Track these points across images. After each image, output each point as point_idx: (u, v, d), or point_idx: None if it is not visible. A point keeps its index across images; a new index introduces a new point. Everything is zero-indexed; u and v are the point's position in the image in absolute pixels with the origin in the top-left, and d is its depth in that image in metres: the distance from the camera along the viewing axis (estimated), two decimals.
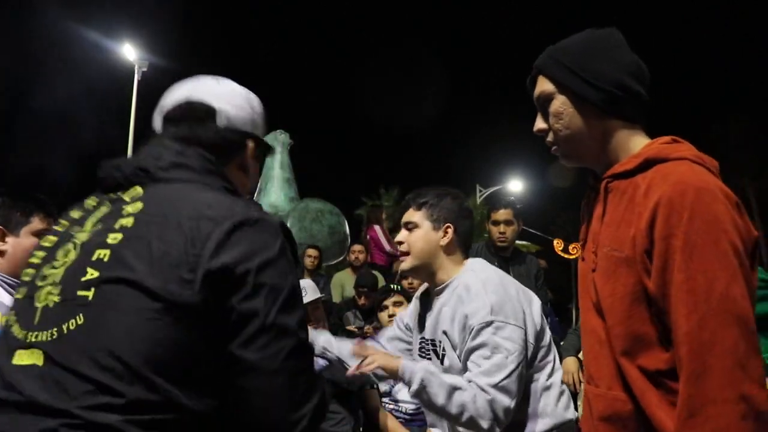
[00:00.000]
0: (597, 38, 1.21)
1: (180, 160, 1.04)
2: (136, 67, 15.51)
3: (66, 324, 0.88)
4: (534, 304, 1.80)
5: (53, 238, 1.03)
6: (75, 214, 1.05)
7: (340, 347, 2.00)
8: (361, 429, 2.94)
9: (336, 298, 5.59)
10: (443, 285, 1.82)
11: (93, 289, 0.89)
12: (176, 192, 0.99)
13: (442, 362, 1.78)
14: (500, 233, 3.71)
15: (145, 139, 1.13)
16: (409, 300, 3.15)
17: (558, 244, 23.68)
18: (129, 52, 15.46)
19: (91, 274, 0.90)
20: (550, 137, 1.24)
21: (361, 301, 4.86)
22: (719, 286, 0.98)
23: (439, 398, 1.59)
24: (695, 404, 0.97)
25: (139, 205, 0.96)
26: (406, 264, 1.86)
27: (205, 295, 0.88)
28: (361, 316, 4.83)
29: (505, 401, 1.57)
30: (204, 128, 1.10)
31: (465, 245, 1.87)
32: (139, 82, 15.51)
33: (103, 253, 0.92)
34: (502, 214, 3.72)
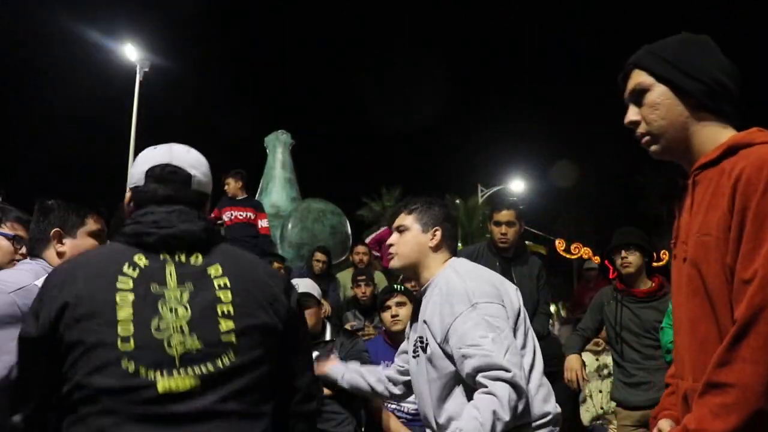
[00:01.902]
0: (694, 39, 1.26)
1: (204, 225, 1.35)
2: (137, 68, 15.52)
3: (218, 361, 1.21)
4: (509, 289, 1.93)
5: (130, 296, 1.22)
6: (131, 272, 1.25)
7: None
8: (363, 429, 2.95)
9: None
10: (428, 283, 1.97)
11: (234, 335, 1.24)
12: (232, 253, 1.37)
13: (425, 352, 1.86)
14: (502, 234, 3.71)
15: (145, 193, 1.37)
16: (412, 301, 3.15)
17: (560, 244, 23.67)
18: (131, 52, 15.48)
19: (228, 325, 1.24)
20: (641, 128, 1.26)
21: (362, 290, 4.76)
22: None
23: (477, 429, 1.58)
24: (729, 356, 1.01)
25: (219, 269, 1.30)
26: (394, 262, 2.03)
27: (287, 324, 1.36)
28: (361, 315, 4.79)
29: (518, 373, 1.62)
30: (185, 191, 1.39)
31: (450, 246, 2.04)
32: (140, 82, 15.53)
33: (227, 309, 1.26)
34: (504, 215, 3.73)
